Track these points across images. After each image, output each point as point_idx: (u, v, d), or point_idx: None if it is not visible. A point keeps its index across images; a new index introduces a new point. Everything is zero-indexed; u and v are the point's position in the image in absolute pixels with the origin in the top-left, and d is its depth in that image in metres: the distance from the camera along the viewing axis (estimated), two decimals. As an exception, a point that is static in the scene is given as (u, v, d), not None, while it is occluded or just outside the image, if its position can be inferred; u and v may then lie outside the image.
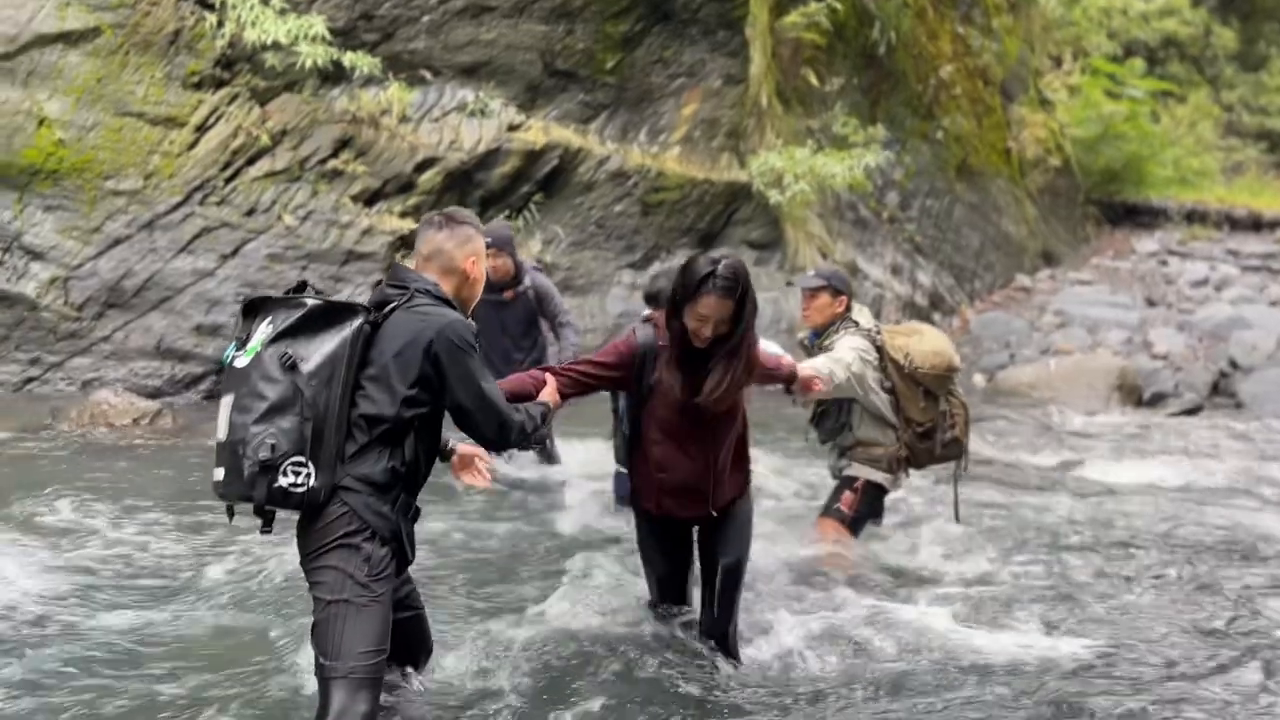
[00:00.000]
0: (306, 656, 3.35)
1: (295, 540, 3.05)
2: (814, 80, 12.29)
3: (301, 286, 3.10)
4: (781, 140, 11.35)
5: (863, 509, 4.96)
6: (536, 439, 3.42)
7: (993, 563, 5.21)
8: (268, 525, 3.01)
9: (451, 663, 3.76)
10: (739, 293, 3.47)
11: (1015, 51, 15.99)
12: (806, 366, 4.39)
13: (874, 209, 13.24)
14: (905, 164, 13.63)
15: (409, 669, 3.38)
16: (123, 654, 3.90)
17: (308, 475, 2.87)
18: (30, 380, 8.20)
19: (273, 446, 2.83)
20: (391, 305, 3.03)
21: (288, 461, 2.85)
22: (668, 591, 4.00)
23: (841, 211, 12.73)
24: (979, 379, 11.58)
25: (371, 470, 2.94)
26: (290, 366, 2.87)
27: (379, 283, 3.26)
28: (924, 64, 14.02)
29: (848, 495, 4.91)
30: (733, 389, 3.56)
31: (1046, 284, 15.56)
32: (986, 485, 6.86)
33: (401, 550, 3.02)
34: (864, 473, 4.91)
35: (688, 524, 3.85)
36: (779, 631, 4.17)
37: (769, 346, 4.66)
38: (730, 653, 3.85)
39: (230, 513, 3.02)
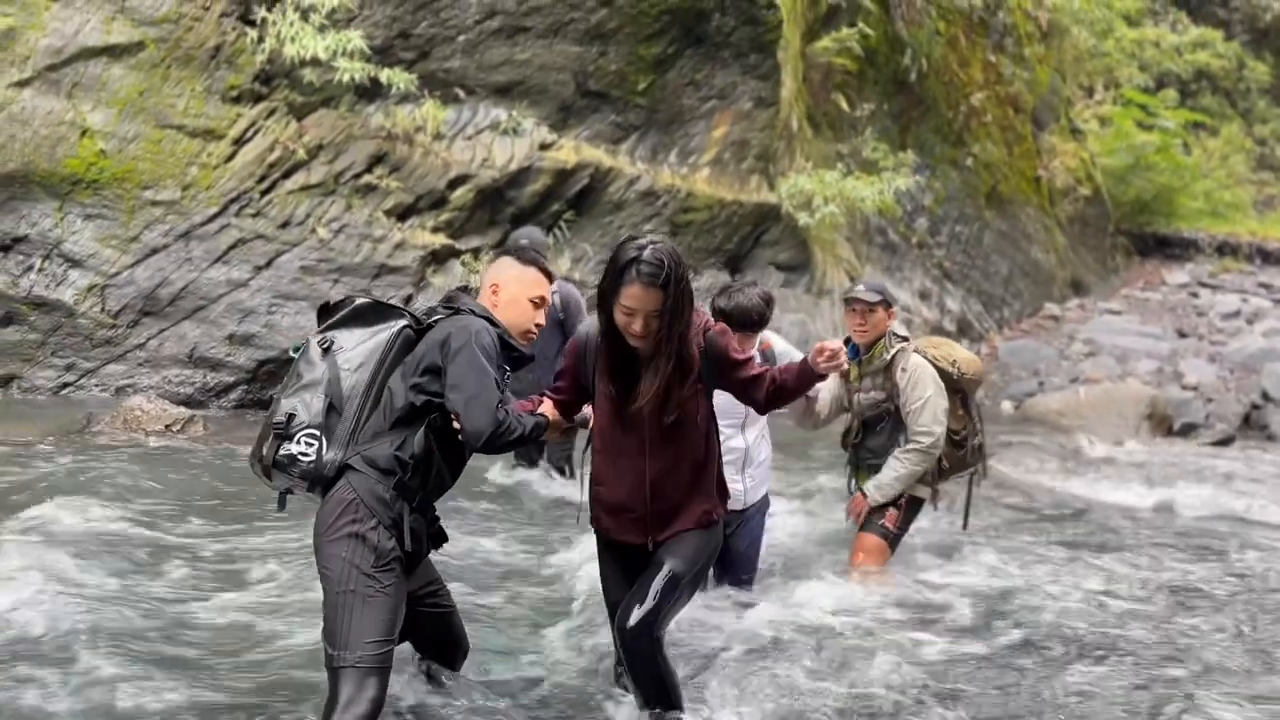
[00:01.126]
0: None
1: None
2: (844, 105, 12.34)
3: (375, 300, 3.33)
4: (811, 163, 11.38)
5: (906, 525, 4.95)
6: (522, 443, 3.13)
7: (1019, 580, 5.17)
8: (281, 505, 3.10)
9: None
10: (666, 281, 3.04)
11: (1047, 80, 15.99)
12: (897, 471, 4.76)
13: (903, 234, 13.24)
14: (935, 190, 13.64)
15: (444, 671, 3.40)
16: (155, 656, 3.94)
17: (318, 449, 3.02)
18: (65, 386, 8.31)
19: (290, 415, 3.03)
20: (437, 317, 3.16)
21: (301, 431, 3.02)
22: None
23: (870, 235, 12.74)
24: (1007, 406, 11.51)
25: (378, 454, 3.02)
26: (326, 349, 3.08)
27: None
28: (955, 91, 14.04)
29: (892, 512, 4.87)
30: (661, 396, 3.12)
31: (1076, 313, 15.47)
32: (1013, 508, 6.82)
33: (401, 540, 3.03)
34: (911, 489, 4.90)
35: (636, 551, 3.32)
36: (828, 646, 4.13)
37: (782, 348, 4.63)
38: (631, 645, 3.16)
39: (267, 475, 3.11)
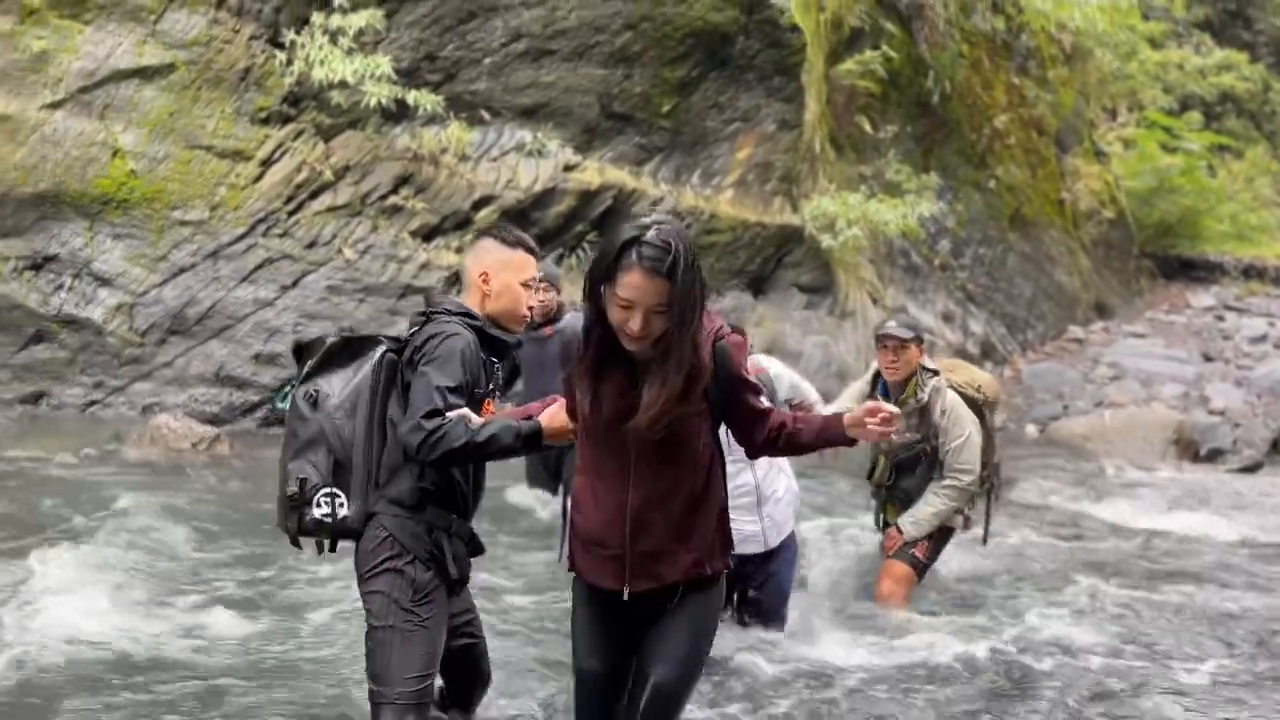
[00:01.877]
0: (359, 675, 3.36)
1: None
2: (868, 127, 12.35)
3: (349, 330, 3.22)
4: (834, 185, 11.39)
5: (935, 555, 4.92)
6: (481, 454, 2.84)
7: (1044, 603, 5.12)
8: (320, 548, 3.09)
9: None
10: (673, 268, 2.47)
11: (1070, 103, 15.95)
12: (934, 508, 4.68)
13: (926, 256, 13.20)
14: (958, 212, 13.60)
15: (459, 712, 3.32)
16: (183, 678, 3.95)
17: (340, 504, 2.96)
18: (93, 403, 8.38)
19: (301, 481, 2.96)
20: (413, 329, 3.05)
21: (318, 494, 2.95)
22: (588, 698, 2.83)
23: (893, 257, 12.71)
24: (1031, 429, 11.43)
25: (401, 490, 2.97)
26: (314, 403, 2.98)
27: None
28: (978, 113, 14.03)
29: (923, 542, 4.84)
30: (663, 414, 2.55)
31: (1100, 336, 15.37)
32: (1038, 530, 6.75)
33: (444, 572, 2.99)
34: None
35: (612, 600, 2.73)
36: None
37: (781, 373, 4.36)
38: None
39: (294, 543, 3.07)
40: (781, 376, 4.43)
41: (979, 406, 4.87)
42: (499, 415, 2.99)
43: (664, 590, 2.70)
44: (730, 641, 4.15)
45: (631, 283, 2.50)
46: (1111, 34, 15.62)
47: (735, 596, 4.25)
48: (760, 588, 4.22)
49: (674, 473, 2.66)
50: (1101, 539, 6.94)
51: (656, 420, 2.56)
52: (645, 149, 10.24)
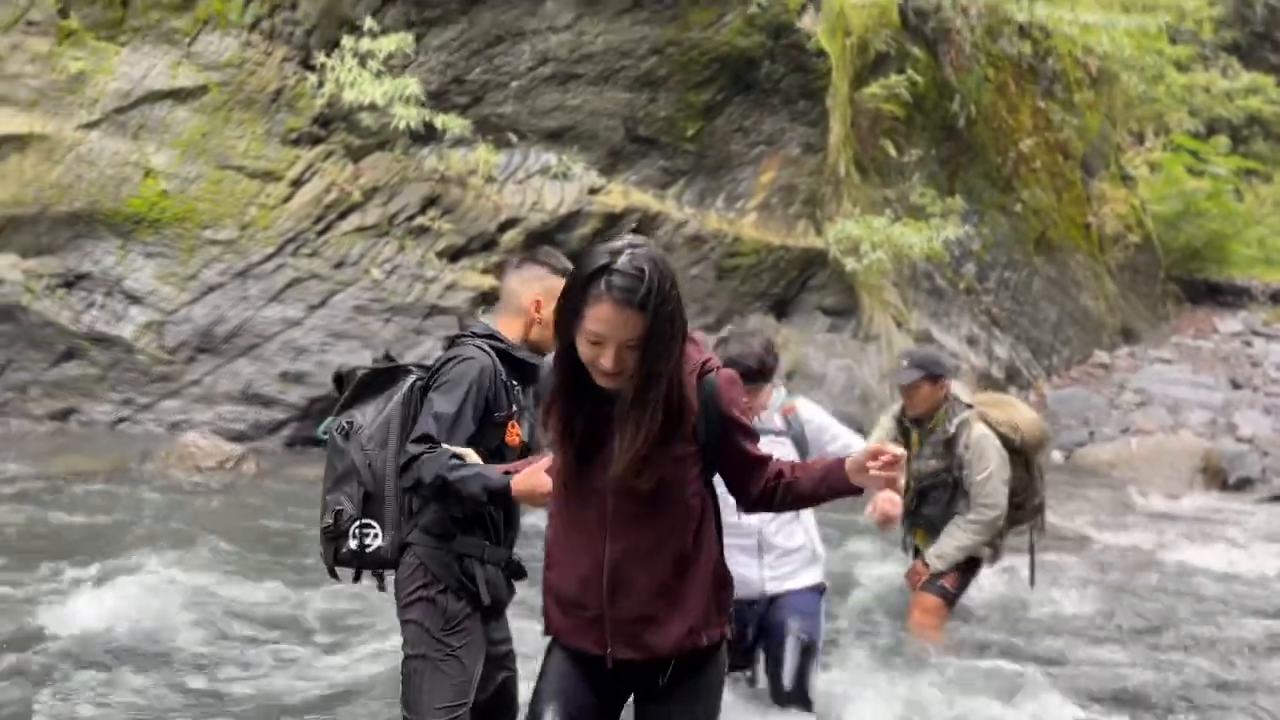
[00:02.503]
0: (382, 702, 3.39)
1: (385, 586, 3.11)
2: (892, 150, 12.36)
3: (385, 359, 3.20)
4: (859, 209, 11.39)
5: (964, 587, 4.90)
6: (440, 496, 2.80)
7: (1075, 639, 5.08)
8: (357, 576, 3.12)
9: None
10: (646, 298, 2.19)
11: (1096, 127, 15.90)
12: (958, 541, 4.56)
13: (950, 279, 13.17)
14: (983, 235, 13.57)
15: None
16: (215, 699, 3.98)
17: (374, 536, 2.98)
18: (122, 420, 8.48)
19: (337, 513, 2.98)
20: (439, 357, 3.06)
21: (354, 525, 2.98)
22: None
23: (917, 280, 12.69)
24: (1057, 455, 11.35)
25: (430, 520, 2.98)
26: (346, 435, 3.00)
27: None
28: (1003, 137, 14.00)
29: (952, 574, 4.83)
30: (641, 459, 2.26)
31: (1126, 361, 15.26)
32: (1068, 561, 6.70)
33: (476, 599, 2.98)
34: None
35: (592, 666, 2.41)
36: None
37: (814, 416, 3.84)
38: None
39: (332, 573, 3.09)
40: (813, 421, 3.88)
41: (1015, 446, 4.84)
42: (501, 465, 2.84)
43: (653, 663, 2.34)
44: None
45: (601, 315, 2.21)
46: (1138, 58, 15.57)
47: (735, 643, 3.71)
48: (763, 638, 3.79)
49: (658, 526, 2.32)
50: (1128, 568, 6.88)
51: (634, 466, 2.26)
52: (669, 172, 10.28)
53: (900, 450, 2.29)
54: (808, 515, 3.85)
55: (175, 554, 5.47)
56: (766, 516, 3.57)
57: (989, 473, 4.67)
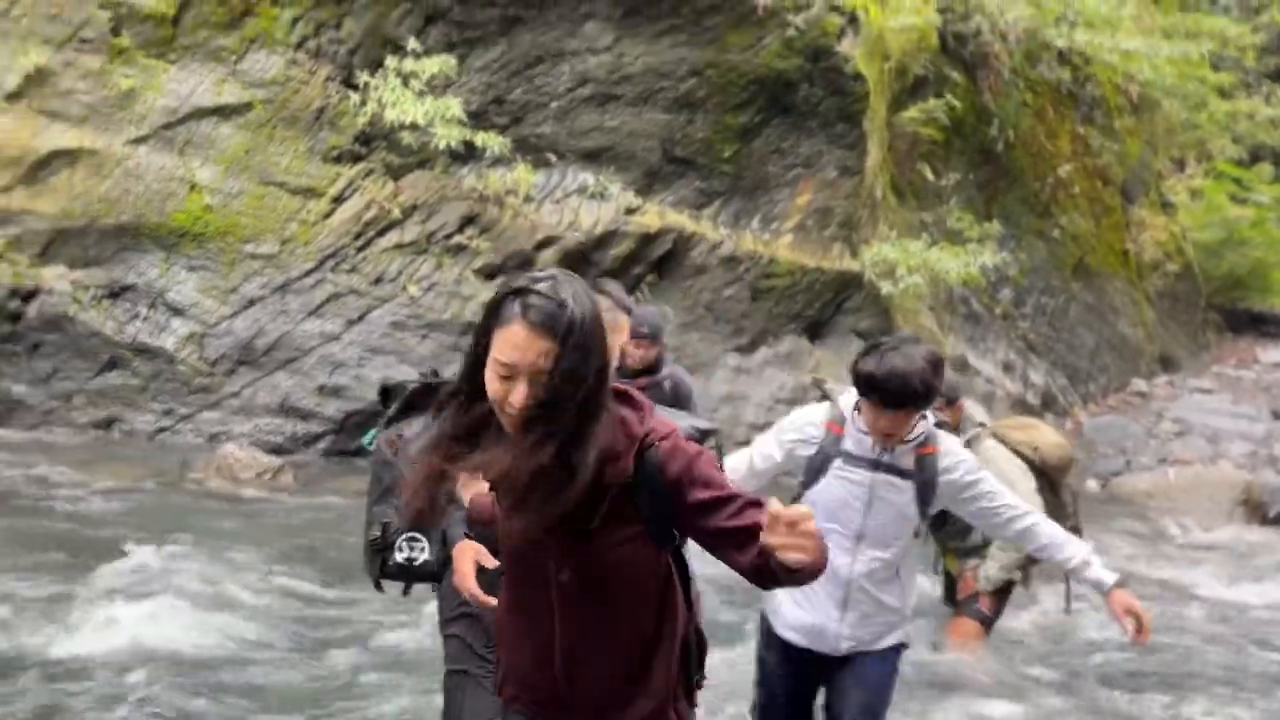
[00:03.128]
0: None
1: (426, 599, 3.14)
2: (929, 174, 12.32)
3: (433, 374, 3.24)
4: (895, 232, 11.36)
5: (1000, 610, 4.87)
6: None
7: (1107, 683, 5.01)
8: (406, 588, 3.14)
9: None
10: (568, 329, 1.91)
11: (1137, 153, 15.77)
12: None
13: (987, 304, 13.08)
14: (1020, 261, 13.47)
15: None
16: (244, 709, 4.02)
17: (422, 549, 2.99)
18: (162, 430, 8.61)
19: (384, 526, 3.00)
20: None
21: (400, 538, 2.99)
22: None
23: (953, 305, 12.62)
24: (1093, 484, 11.21)
25: (475, 535, 2.99)
26: (395, 449, 3.03)
27: None
28: (1042, 162, 13.92)
29: (988, 598, 4.80)
30: (544, 523, 1.97)
31: (1164, 390, 15.05)
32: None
33: None
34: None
35: None
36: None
37: (957, 466, 3.13)
38: None
39: (377, 585, 3.12)
40: (954, 474, 3.14)
41: (1036, 467, 4.81)
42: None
43: None
44: None
45: (511, 340, 1.92)
46: (1180, 85, 15.44)
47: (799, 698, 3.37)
48: (829, 695, 3.34)
49: (613, 610, 2.07)
50: (1165, 601, 6.78)
51: (534, 532, 1.99)
52: (705, 193, 10.32)
53: (800, 510, 1.81)
54: (909, 572, 3.30)
55: (213, 563, 5.54)
56: (859, 569, 3.14)
57: (1009, 484, 4.54)
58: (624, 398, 2.06)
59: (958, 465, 3.12)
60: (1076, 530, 5.04)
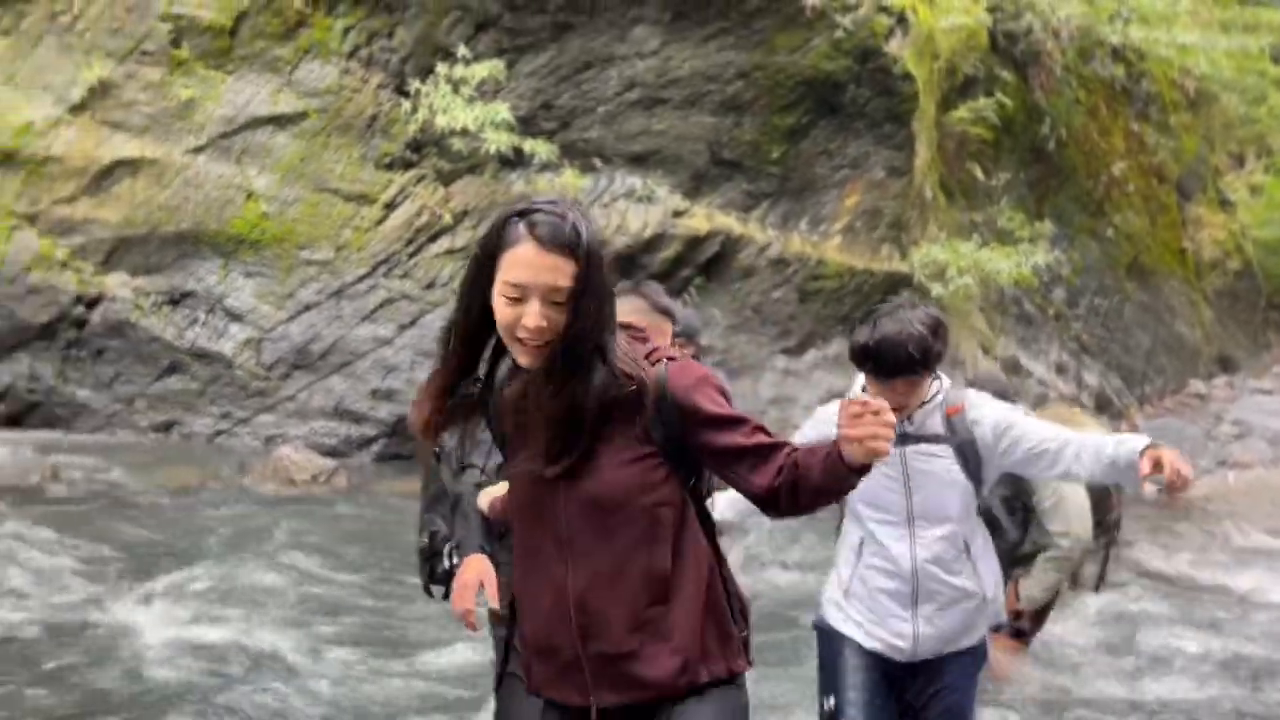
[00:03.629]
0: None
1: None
2: (980, 174, 12.20)
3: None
4: (944, 233, 11.27)
5: (1041, 622, 4.80)
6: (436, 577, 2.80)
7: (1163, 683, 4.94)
8: (447, 594, 3.18)
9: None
10: (577, 243, 1.87)
11: (1194, 149, 15.47)
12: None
13: (1039, 305, 12.92)
14: (1073, 260, 13.28)
15: None
16: (300, 700, 4.11)
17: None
18: (220, 433, 8.80)
19: (432, 534, 3.00)
20: None
21: (448, 545, 2.98)
22: None
23: (1005, 306, 12.48)
24: (1150, 489, 11.01)
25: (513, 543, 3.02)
26: (439, 456, 3.03)
27: None
28: (1095, 160, 13.71)
29: (1027, 615, 4.73)
30: (559, 446, 1.93)
31: (1223, 391, 14.74)
32: (1159, 601, 6.51)
33: None
34: None
35: None
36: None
37: (990, 414, 2.90)
38: None
39: (426, 591, 3.18)
40: (987, 420, 2.89)
41: None
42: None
43: (645, 709, 1.98)
44: None
45: (522, 259, 1.86)
46: (1239, 79, 15.13)
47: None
48: (924, 707, 3.01)
49: (621, 544, 1.95)
50: (1224, 609, 6.65)
51: (553, 457, 1.92)
52: (753, 195, 10.31)
53: (879, 401, 1.80)
54: (983, 551, 2.99)
55: (271, 563, 5.66)
56: (922, 554, 2.87)
57: (1059, 496, 4.39)
58: (622, 325, 2.01)
59: (985, 416, 2.89)
60: (1118, 526, 4.96)
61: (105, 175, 8.83)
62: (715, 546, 2.07)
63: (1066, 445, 2.85)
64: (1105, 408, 13.24)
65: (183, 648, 4.54)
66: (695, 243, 9.90)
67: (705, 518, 2.07)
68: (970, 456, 2.88)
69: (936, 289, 10.50)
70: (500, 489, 2.45)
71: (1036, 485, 4.44)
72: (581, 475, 1.95)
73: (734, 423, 1.97)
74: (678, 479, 2.00)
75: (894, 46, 9.99)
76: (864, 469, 1.84)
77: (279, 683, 4.27)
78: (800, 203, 10.52)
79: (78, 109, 8.86)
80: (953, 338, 11.26)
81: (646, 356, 1.99)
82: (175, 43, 9.02)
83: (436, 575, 3.08)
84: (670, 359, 2.00)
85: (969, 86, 12.01)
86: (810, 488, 1.90)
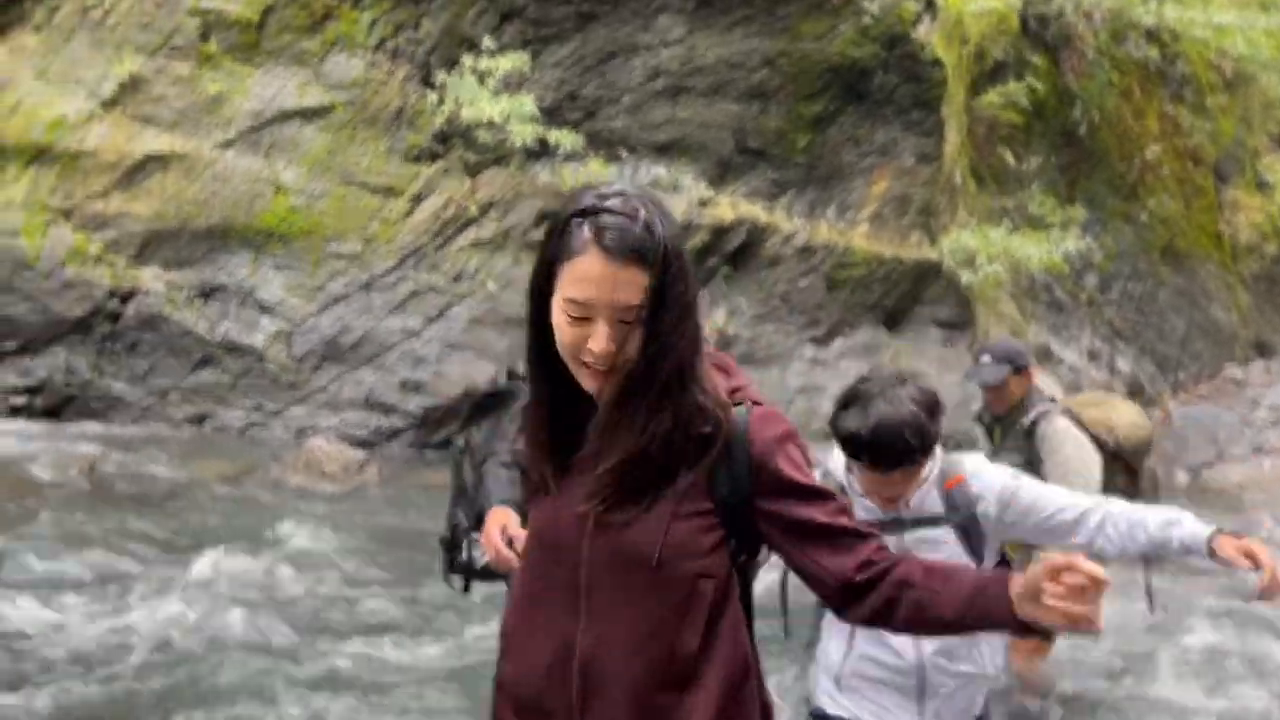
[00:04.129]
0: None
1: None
2: (1010, 159, 12.07)
3: (510, 375, 3.35)
4: (974, 219, 11.16)
5: None
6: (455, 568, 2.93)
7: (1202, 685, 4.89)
8: (466, 586, 3.25)
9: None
10: (650, 250, 1.55)
11: (1231, 131, 15.20)
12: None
13: (1071, 291, 12.77)
14: (1105, 245, 13.12)
15: None
16: (325, 689, 4.16)
17: (484, 551, 3.05)
18: (252, 425, 8.90)
19: (454, 527, 3.11)
20: None
21: (469, 536, 3.08)
22: None
23: (1036, 292, 12.35)
24: (1182, 476, 10.90)
25: None
26: (461, 451, 3.16)
27: None
28: (1128, 143, 13.52)
29: None
30: (615, 484, 1.61)
31: (1260, 377, 14.51)
32: (1192, 592, 6.44)
33: None
34: None
35: None
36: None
37: (994, 485, 2.62)
38: None
39: (447, 581, 3.24)
40: (991, 494, 2.61)
41: (1110, 450, 4.60)
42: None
43: None
44: None
45: (585, 272, 1.54)
46: (1278, 59, 14.83)
47: None
48: None
49: (650, 610, 1.61)
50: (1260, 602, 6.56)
51: (607, 495, 1.60)
52: (779, 184, 10.26)
53: (1100, 572, 1.44)
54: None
55: (301, 554, 5.73)
56: (928, 647, 2.58)
57: (1064, 465, 4.16)
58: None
59: (989, 487, 2.61)
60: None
61: (137, 170, 8.93)
62: (753, 641, 1.72)
63: (1087, 515, 2.61)
64: (1138, 394, 13.07)
65: (211, 636, 4.61)
66: (721, 232, 9.87)
67: (748, 605, 1.72)
68: (974, 534, 2.64)
69: (966, 276, 10.42)
70: (510, 519, 2.34)
71: (1046, 454, 4.21)
72: (617, 518, 1.61)
73: (817, 495, 1.65)
74: (728, 550, 1.65)
75: (922, 32, 9.88)
76: (1034, 631, 1.53)
77: (303, 671, 4.33)
78: (827, 190, 10.45)
79: (109, 104, 8.96)
80: (982, 325, 11.20)
81: (732, 392, 1.66)
82: (204, 37, 9.10)
83: (455, 565, 3.15)
84: (756, 403, 1.66)
85: (999, 71, 11.86)
86: (929, 619, 1.58)
